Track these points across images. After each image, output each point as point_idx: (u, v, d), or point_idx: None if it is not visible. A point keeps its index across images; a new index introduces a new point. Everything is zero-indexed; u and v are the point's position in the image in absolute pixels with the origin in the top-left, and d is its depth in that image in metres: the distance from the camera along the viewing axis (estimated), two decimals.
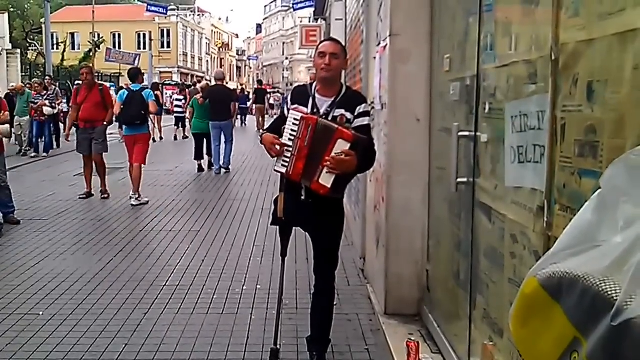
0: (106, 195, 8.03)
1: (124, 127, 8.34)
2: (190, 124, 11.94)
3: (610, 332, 0.85)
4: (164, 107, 19.65)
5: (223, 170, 10.50)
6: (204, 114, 10.50)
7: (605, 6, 1.48)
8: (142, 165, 7.79)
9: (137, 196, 7.61)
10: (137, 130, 7.79)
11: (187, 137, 16.09)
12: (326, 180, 2.79)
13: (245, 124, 23.97)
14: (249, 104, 23.92)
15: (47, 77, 15.37)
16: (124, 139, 8.33)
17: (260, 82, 25.99)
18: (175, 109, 18.10)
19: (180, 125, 17.38)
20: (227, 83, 14.17)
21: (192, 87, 19.45)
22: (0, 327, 3.66)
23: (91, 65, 13.03)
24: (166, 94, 23.98)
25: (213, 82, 11.48)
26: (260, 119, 20.75)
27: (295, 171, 2.88)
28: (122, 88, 10.54)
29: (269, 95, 21.81)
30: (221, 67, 59.57)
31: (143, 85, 8.54)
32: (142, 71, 8.97)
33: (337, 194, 2.93)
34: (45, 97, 12.84)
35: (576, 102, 1.61)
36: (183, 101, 17.45)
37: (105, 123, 7.96)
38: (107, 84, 14.46)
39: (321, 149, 2.79)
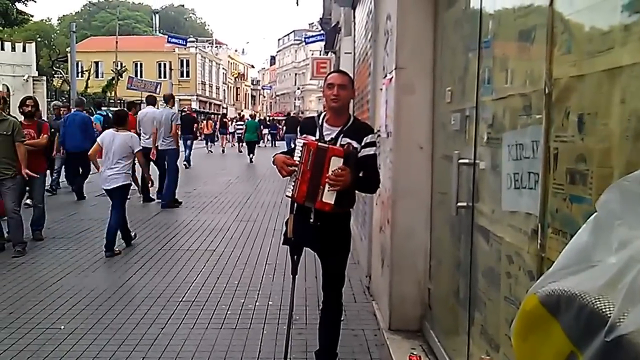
0: None
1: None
2: (243, 138, 21.42)
3: (604, 347, 0.86)
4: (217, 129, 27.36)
5: None
6: (253, 130, 19.24)
7: (595, 44, 1.52)
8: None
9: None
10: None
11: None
12: (329, 197, 2.82)
13: (277, 145, 28.60)
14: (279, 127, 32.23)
15: None
16: None
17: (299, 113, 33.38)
18: (238, 131, 25.13)
19: (239, 141, 24.54)
20: (303, 113, 22.21)
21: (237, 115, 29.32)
22: (22, 340, 3.67)
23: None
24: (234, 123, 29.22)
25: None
26: None
27: (300, 194, 2.89)
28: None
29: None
30: (237, 96, 60.82)
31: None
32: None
33: (341, 208, 2.94)
34: None
35: (568, 133, 1.64)
36: (241, 125, 24.03)
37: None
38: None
39: (320, 170, 2.82)
